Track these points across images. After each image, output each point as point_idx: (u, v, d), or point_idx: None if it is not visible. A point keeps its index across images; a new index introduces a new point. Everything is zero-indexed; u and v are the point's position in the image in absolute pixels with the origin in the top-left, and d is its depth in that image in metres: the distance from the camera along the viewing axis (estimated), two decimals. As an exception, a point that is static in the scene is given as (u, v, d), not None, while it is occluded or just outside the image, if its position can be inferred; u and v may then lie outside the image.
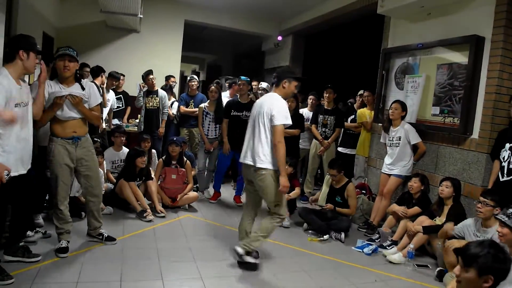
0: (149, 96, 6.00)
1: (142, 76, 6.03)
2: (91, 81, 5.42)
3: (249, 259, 3.36)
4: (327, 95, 5.66)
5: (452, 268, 3.32)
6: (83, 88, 3.31)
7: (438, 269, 3.58)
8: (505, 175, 3.59)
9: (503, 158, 3.63)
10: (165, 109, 6.07)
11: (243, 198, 5.44)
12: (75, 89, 3.26)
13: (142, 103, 6.00)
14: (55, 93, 3.15)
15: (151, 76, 5.94)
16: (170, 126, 6.40)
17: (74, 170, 3.37)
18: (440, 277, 3.50)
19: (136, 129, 6.32)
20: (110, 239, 3.63)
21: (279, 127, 3.24)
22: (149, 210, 4.46)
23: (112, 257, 3.36)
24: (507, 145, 3.60)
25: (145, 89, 6.03)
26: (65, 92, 3.17)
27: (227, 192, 5.90)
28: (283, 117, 3.25)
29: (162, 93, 6.10)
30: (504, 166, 3.61)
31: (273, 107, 3.28)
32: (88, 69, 5.67)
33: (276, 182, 3.30)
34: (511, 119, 3.69)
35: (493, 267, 1.78)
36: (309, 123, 5.88)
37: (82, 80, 3.42)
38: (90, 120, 3.43)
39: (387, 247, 4.11)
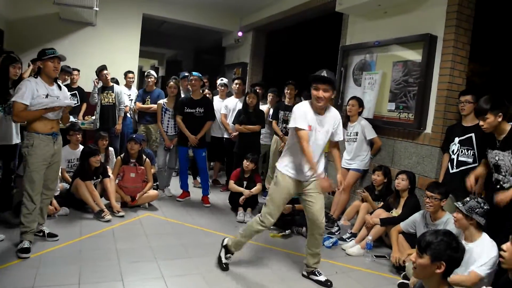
0: (105, 92, 5.84)
1: (96, 71, 5.85)
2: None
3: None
4: (288, 91, 5.70)
5: (397, 249, 3.62)
6: (60, 88, 3.44)
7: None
8: (454, 167, 3.79)
9: (452, 151, 3.82)
10: (122, 105, 5.92)
11: (211, 197, 5.43)
12: (55, 89, 3.39)
13: (97, 100, 5.83)
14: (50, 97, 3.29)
15: (105, 72, 5.79)
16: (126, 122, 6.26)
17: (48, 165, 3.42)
18: (396, 267, 3.64)
19: (92, 126, 6.12)
20: (52, 235, 3.58)
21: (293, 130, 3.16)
22: (106, 210, 4.34)
23: (70, 259, 3.24)
24: (456, 139, 3.79)
25: (100, 85, 5.86)
26: (62, 100, 3.37)
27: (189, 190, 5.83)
28: (292, 120, 3.16)
29: (118, 88, 5.94)
30: (453, 158, 3.80)
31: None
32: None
33: (277, 184, 3.24)
34: (461, 114, 3.87)
35: (445, 254, 1.87)
36: (269, 118, 5.91)
37: (58, 81, 3.52)
38: (65, 120, 3.65)
39: (346, 240, 4.22)
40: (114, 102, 5.84)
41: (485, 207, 2.90)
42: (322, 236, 3.32)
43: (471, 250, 2.82)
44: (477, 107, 3.23)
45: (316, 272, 3.30)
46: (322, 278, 3.27)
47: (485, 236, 2.89)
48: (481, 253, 2.79)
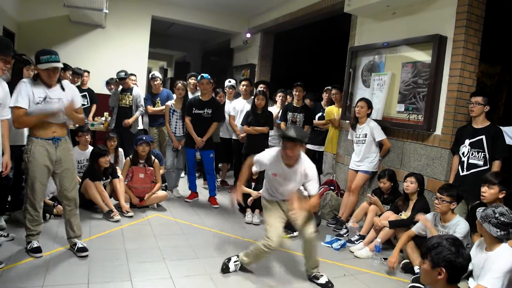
0: (123, 93, 5.90)
1: (118, 78, 5.87)
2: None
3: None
4: (296, 93, 5.68)
5: (397, 254, 3.57)
6: (63, 89, 3.25)
7: (403, 261, 3.69)
8: (464, 169, 3.76)
9: (463, 153, 3.79)
10: (141, 108, 5.96)
11: (219, 198, 5.44)
12: (57, 91, 3.20)
13: (116, 102, 5.92)
14: (49, 102, 3.13)
15: (129, 79, 5.93)
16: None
17: (52, 172, 3.30)
18: (405, 269, 3.61)
19: (102, 127, 6.17)
20: (81, 250, 3.35)
21: None
22: (115, 210, 4.37)
23: (79, 259, 3.27)
24: (467, 141, 3.75)
25: (120, 88, 5.92)
26: (62, 103, 3.18)
27: (198, 191, 5.85)
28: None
29: (136, 91, 6.00)
30: (463, 161, 3.77)
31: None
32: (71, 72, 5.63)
33: (265, 208, 3.51)
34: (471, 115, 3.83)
35: (444, 260, 1.82)
36: (278, 120, 5.90)
37: (62, 81, 3.33)
38: (76, 122, 3.49)
39: (355, 242, 4.20)
40: (130, 104, 5.90)
41: (501, 219, 2.59)
42: (314, 245, 3.26)
43: (490, 259, 2.65)
44: (485, 177, 3.24)
45: (317, 276, 3.27)
46: (322, 280, 3.23)
47: (504, 246, 2.63)
48: (494, 264, 2.59)
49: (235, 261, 3.34)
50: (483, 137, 3.65)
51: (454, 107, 4.08)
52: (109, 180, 4.68)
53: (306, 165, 3.24)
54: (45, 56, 3.05)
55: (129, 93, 5.90)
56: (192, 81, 6.34)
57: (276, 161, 3.27)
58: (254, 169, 3.39)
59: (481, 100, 3.69)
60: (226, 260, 3.35)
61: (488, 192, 3.16)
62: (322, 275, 3.26)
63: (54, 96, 3.18)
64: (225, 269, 3.30)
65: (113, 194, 4.68)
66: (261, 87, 6.15)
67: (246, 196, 4.91)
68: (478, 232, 2.82)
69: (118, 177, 4.70)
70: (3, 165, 3.07)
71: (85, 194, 4.44)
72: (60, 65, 3.16)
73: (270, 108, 5.88)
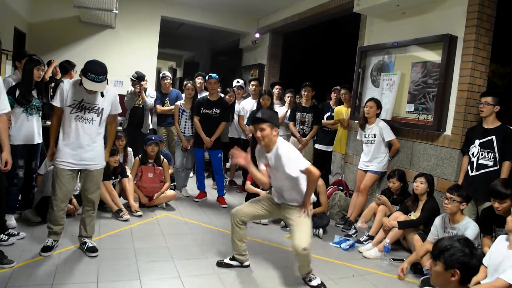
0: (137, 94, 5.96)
1: (135, 77, 5.91)
2: (60, 78, 5.38)
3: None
4: (305, 93, 5.67)
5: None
6: (102, 95, 3.32)
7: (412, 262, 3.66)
8: (474, 170, 3.72)
9: (472, 153, 3.75)
10: (147, 107, 6.03)
11: (227, 198, 5.45)
12: (96, 96, 3.28)
13: (132, 105, 5.97)
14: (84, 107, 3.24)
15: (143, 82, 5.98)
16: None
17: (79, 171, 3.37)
18: (415, 270, 3.59)
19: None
20: (91, 250, 3.37)
21: None
22: (124, 210, 4.40)
23: (88, 258, 3.30)
24: (477, 142, 3.72)
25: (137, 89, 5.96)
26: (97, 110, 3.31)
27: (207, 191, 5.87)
28: None
29: (150, 92, 6.09)
30: (473, 161, 3.73)
31: None
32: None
33: None
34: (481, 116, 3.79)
35: (458, 261, 1.80)
36: (286, 120, 5.90)
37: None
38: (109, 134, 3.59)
39: (363, 242, 4.19)
40: (143, 104, 5.97)
41: None
42: (307, 259, 3.11)
43: (511, 256, 2.64)
44: (495, 190, 3.10)
45: (311, 278, 3.20)
46: (314, 283, 3.17)
47: None
48: None
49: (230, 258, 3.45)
50: (494, 137, 3.61)
51: (464, 107, 4.05)
52: (118, 179, 4.71)
53: (280, 146, 3.12)
54: (92, 75, 3.10)
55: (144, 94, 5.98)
56: (198, 80, 6.37)
57: (260, 150, 3.29)
58: (261, 167, 3.36)
59: (490, 100, 3.65)
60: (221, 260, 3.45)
61: (501, 206, 3.07)
62: (315, 278, 3.20)
63: (91, 101, 3.26)
64: (219, 264, 3.42)
65: (122, 193, 4.71)
66: (277, 89, 6.21)
67: (254, 195, 4.91)
68: (506, 229, 2.79)
69: (127, 176, 4.73)
70: (2, 161, 3.08)
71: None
72: (102, 88, 3.23)
73: (279, 108, 5.88)
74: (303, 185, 3.20)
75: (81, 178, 3.42)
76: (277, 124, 3.18)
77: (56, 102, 3.22)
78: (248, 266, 3.42)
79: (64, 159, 3.24)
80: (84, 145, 3.26)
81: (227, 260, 3.42)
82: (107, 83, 3.35)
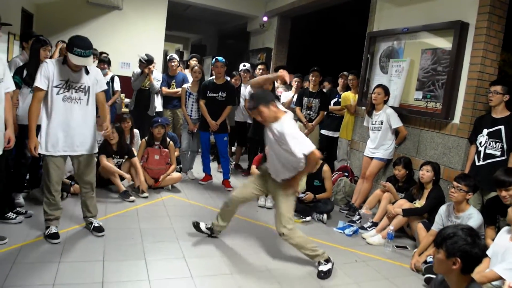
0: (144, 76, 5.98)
1: (146, 60, 5.90)
2: None
3: None
4: (313, 78, 5.63)
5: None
6: (87, 72, 3.21)
7: (416, 250, 3.68)
8: (481, 159, 3.69)
9: (480, 143, 3.72)
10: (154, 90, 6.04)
11: (233, 182, 5.47)
12: (81, 74, 3.18)
13: (139, 86, 5.98)
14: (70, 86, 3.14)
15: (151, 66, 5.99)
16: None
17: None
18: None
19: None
20: (98, 229, 3.40)
21: None
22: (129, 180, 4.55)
23: (95, 237, 3.35)
24: (485, 131, 3.69)
25: (139, 71, 5.96)
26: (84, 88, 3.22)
27: (212, 174, 5.89)
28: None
29: (157, 76, 6.09)
30: (480, 151, 3.71)
31: None
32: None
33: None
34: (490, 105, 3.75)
35: (460, 249, 1.80)
36: (293, 105, 5.87)
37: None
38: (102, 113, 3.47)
39: (367, 229, 4.20)
40: (149, 87, 5.99)
41: None
42: (291, 242, 3.20)
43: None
44: (498, 179, 3.04)
45: (319, 263, 3.19)
46: (320, 268, 3.16)
47: None
48: None
49: (206, 226, 3.62)
50: (502, 127, 3.57)
51: (474, 96, 4.01)
52: (123, 160, 4.73)
53: (282, 122, 3.05)
54: (79, 50, 2.98)
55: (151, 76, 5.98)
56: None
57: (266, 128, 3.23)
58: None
59: (500, 89, 3.60)
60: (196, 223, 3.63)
61: (509, 194, 3.00)
62: (323, 263, 3.17)
63: (77, 80, 3.15)
64: (196, 226, 3.61)
65: (130, 173, 4.73)
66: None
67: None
68: (507, 221, 2.79)
69: (134, 156, 4.76)
70: (5, 139, 3.01)
71: (101, 172, 4.50)
72: (90, 62, 3.13)
73: (285, 93, 5.85)
74: (301, 164, 3.13)
75: (74, 163, 3.35)
76: (270, 99, 3.08)
77: (40, 84, 3.01)
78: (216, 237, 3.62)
79: (54, 147, 3.14)
80: (75, 127, 3.17)
81: (202, 226, 3.61)
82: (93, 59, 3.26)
